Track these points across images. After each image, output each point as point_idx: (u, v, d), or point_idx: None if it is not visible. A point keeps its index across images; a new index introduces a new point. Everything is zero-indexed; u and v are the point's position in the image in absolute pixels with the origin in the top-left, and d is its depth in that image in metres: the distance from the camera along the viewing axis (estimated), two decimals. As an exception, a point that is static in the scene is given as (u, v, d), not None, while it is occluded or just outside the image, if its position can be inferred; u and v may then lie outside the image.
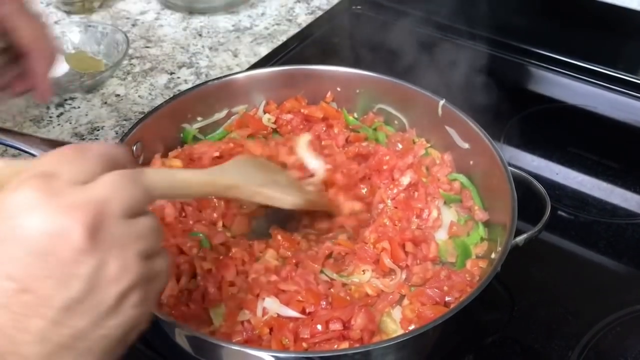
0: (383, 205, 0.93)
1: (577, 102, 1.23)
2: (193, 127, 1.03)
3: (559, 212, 1.00)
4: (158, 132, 0.98)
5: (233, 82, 1.05)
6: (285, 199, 0.82)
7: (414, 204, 0.92)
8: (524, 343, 0.82)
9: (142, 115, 0.96)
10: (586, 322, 0.84)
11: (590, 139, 1.15)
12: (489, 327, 0.85)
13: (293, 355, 0.71)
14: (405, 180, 0.94)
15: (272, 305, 0.77)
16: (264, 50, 1.34)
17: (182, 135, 1.02)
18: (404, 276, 0.85)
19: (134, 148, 0.92)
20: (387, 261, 0.85)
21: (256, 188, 0.79)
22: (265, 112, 1.07)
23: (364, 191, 0.96)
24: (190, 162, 0.96)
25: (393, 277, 0.85)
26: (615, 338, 0.82)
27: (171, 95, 1.21)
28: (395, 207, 0.92)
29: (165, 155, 0.98)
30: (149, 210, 0.55)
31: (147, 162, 0.95)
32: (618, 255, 0.94)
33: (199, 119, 1.03)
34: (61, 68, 1.24)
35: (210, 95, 1.03)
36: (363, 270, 0.84)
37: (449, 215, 0.93)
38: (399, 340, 0.69)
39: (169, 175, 0.65)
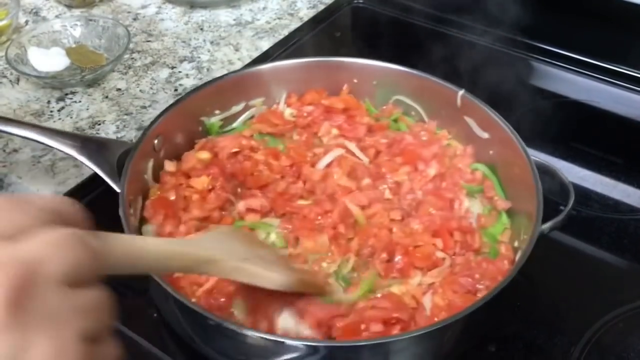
0: (412, 196, 0.91)
1: (580, 97, 1.23)
2: (211, 120, 1.02)
3: (562, 207, 1.00)
4: (178, 126, 0.97)
5: (250, 75, 1.05)
6: (272, 276, 0.71)
7: (443, 194, 0.91)
8: (526, 339, 0.82)
9: (163, 109, 0.96)
10: (589, 318, 0.84)
11: (593, 134, 1.15)
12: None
13: (305, 343, 0.70)
14: (432, 171, 0.94)
15: (288, 322, 0.74)
16: (265, 45, 1.34)
17: (200, 129, 1.01)
18: (449, 263, 0.84)
19: (155, 142, 0.92)
20: (440, 253, 0.84)
21: (237, 263, 0.68)
22: (287, 106, 1.06)
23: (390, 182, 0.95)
24: (214, 155, 0.96)
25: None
26: (618, 334, 0.82)
27: (172, 90, 1.21)
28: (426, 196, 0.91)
29: (186, 148, 0.98)
30: (98, 283, 0.44)
31: (168, 156, 0.95)
32: (621, 251, 0.94)
33: (216, 112, 1.03)
34: (62, 62, 1.23)
35: (228, 88, 1.02)
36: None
37: (476, 206, 0.93)
38: (414, 335, 0.69)
39: (130, 243, 0.54)
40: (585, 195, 1.03)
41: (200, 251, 0.65)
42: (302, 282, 0.75)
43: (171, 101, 1.02)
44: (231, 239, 0.73)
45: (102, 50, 1.28)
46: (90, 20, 1.31)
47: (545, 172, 0.86)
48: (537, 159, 0.87)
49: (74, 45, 1.28)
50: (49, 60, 1.22)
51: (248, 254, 0.71)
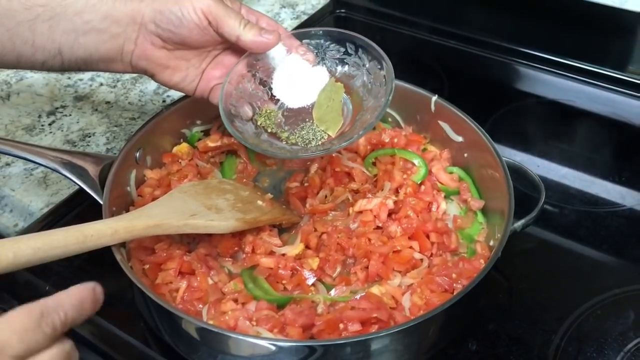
0: (402, 195, 0.94)
1: (557, 96, 1.26)
2: (192, 131, 1.05)
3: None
4: (159, 138, 1.01)
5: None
6: (218, 225, 0.83)
7: (422, 197, 0.94)
8: (508, 329, 0.85)
9: (142, 123, 0.99)
10: (568, 307, 0.87)
11: (570, 132, 1.18)
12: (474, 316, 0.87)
13: (294, 344, 0.72)
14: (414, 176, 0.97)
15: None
16: (250, 55, 1.37)
17: (182, 140, 1.04)
18: (427, 264, 0.87)
19: (137, 154, 0.95)
20: (417, 255, 0.87)
21: (182, 222, 0.80)
22: None
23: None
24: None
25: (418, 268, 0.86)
26: (596, 321, 0.85)
27: (160, 102, 1.24)
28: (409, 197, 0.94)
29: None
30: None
31: (152, 166, 0.99)
32: (598, 243, 0.97)
33: (198, 122, 1.06)
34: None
35: (207, 100, 1.04)
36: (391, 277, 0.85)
37: (453, 208, 0.96)
38: (393, 331, 0.72)
39: (78, 235, 0.71)
40: (565, 192, 1.06)
41: (147, 220, 0.78)
42: (255, 219, 0.87)
43: (160, 112, 1.05)
44: (183, 198, 0.85)
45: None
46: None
47: (516, 171, 0.89)
48: (508, 159, 0.90)
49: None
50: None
51: (197, 208, 0.83)
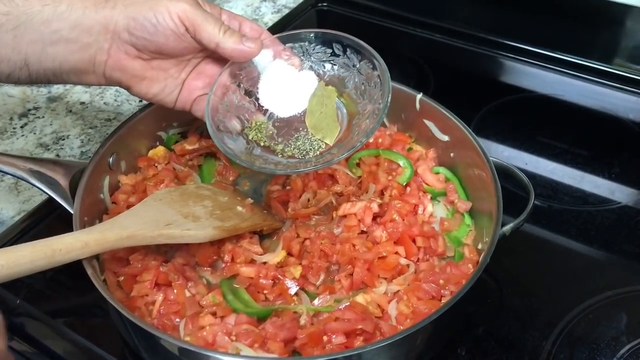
0: (387, 198, 0.91)
1: (546, 91, 1.23)
2: (169, 134, 1.02)
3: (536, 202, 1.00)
4: (134, 142, 0.97)
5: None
6: (195, 234, 0.79)
7: (408, 199, 0.91)
8: (498, 335, 0.82)
9: (118, 125, 0.95)
10: (559, 311, 0.85)
11: (559, 127, 1.16)
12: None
13: None
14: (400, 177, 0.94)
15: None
16: (230, 51, 1.33)
17: (158, 143, 1.01)
18: (413, 269, 0.84)
19: (110, 160, 0.91)
20: (403, 260, 0.84)
21: (157, 232, 0.76)
22: None
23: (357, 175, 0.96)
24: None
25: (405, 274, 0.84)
26: (588, 325, 0.83)
27: (137, 101, 1.20)
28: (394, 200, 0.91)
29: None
30: None
31: (127, 172, 0.95)
32: (589, 242, 0.95)
33: (174, 124, 1.02)
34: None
35: None
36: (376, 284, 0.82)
37: (439, 210, 0.93)
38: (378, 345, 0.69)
39: (45, 250, 0.68)
40: (553, 188, 1.04)
41: (119, 231, 0.74)
42: (234, 227, 0.83)
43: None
44: (158, 206, 0.81)
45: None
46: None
47: (504, 171, 0.87)
48: (495, 160, 0.87)
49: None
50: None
51: (173, 217, 0.79)
